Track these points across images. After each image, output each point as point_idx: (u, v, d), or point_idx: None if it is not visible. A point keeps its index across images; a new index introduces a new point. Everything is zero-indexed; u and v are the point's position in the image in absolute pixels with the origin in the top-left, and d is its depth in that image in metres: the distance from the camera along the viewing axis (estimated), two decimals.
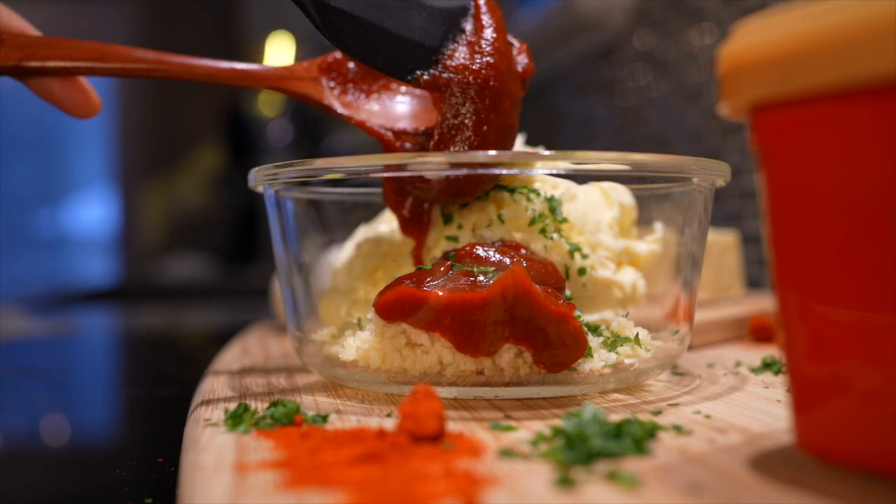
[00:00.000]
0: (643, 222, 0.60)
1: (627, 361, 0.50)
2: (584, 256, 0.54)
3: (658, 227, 0.59)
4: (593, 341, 0.49)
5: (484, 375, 0.48)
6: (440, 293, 0.46)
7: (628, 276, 0.56)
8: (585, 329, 0.48)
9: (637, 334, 0.52)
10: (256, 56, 3.33)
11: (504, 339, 0.47)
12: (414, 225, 0.56)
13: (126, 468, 0.50)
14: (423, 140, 0.56)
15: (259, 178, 0.55)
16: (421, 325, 0.47)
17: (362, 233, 0.63)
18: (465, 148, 0.52)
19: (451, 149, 0.52)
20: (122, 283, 3.58)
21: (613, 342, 0.50)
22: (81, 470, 0.53)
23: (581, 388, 0.49)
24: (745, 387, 0.52)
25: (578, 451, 0.35)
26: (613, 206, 0.58)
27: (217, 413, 0.46)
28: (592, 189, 0.58)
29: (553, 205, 0.54)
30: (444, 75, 0.52)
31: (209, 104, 3.56)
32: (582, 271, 0.54)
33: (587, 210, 0.56)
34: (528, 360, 0.47)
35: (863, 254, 0.30)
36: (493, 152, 0.48)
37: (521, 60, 0.55)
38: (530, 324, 0.46)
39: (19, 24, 0.57)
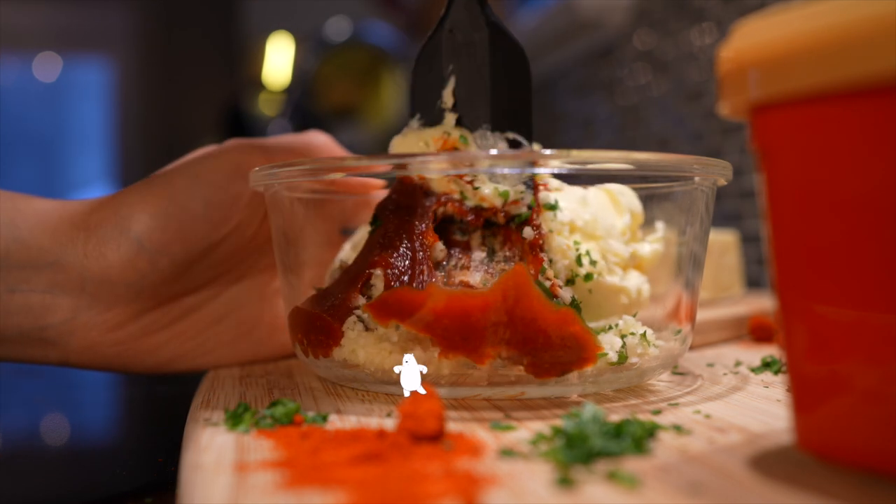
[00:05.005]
0: (644, 222, 0.60)
1: (630, 361, 0.50)
2: (593, 262, 0.53)
3: (659, 226, 0.59)
4: (601, 336, 0.49)
5: (483, 375, 0.48)
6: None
7: (634, 281, 0.55)
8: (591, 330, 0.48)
9: (644, 332, 0.51)
10: (257, 56, 3.33)
11: (504, 341, 0.46)
12: None
13: (126, 468, 0.50)
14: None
15: (259, 178, 0.55)
16: (419, 327, 0.47)
17: (362, 233, 0.62)
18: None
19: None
20: None
21: (621, 336, 0.50)
22: (81, 470, 0.52)
23: (581, 388, 0.49)
24: (746, 387, 0.52)
25: (578, 451, 0.35)
26: (624, 213, 0.57)
27: (217, 413, 0.46)
28: (600, 193, 0.57)
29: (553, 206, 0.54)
30: None
31: (209, 104, 3.56)
32: (588, 277, 0.53)
33: (598, 216, 0.55)
34: (528, 362, 0.47)
35: (863, 254, 0.30)
36: (493, 151, 0.47)
37: None
38: (531, 325, 0.46)
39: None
